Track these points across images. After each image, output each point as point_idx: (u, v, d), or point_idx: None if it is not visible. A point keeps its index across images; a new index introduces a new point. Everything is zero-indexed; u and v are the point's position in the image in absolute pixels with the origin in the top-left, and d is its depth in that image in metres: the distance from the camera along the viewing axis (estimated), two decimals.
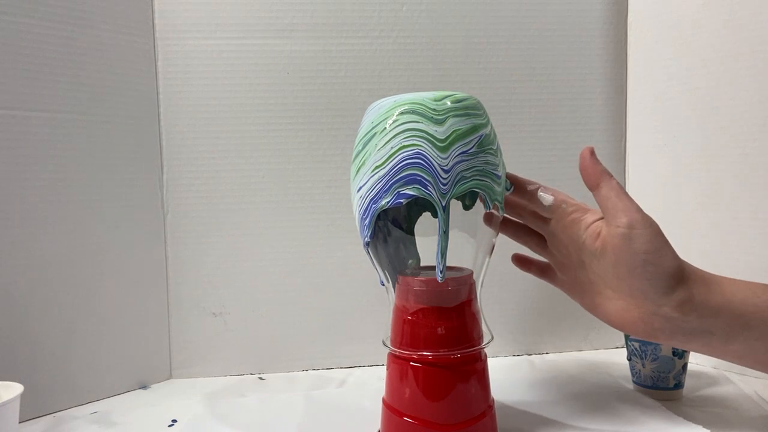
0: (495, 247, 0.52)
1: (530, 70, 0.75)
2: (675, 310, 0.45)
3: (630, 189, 0.78)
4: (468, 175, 0.45)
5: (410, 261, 0.55)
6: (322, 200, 0.73)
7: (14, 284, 0.59)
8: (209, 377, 0.73)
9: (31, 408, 0.59)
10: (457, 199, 0.48)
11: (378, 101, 0.48)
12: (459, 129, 0.45)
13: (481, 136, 0.46)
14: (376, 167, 0.46)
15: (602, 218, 0.49)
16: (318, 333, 0.74)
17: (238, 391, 0.68)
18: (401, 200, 0.45)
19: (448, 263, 0.46)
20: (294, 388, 0.68)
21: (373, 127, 0.47)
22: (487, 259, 0.52)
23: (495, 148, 0.48)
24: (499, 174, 0.48)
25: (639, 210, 0.47)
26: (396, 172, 0.45)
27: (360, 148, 0.48)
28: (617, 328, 0.49)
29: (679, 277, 0.45)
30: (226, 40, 0.71)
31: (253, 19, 0.71)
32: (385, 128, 0.46)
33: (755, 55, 0.63)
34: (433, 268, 0.47)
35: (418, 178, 0.44)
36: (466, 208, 0.53)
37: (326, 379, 0.71)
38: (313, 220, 0.73)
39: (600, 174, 0.49)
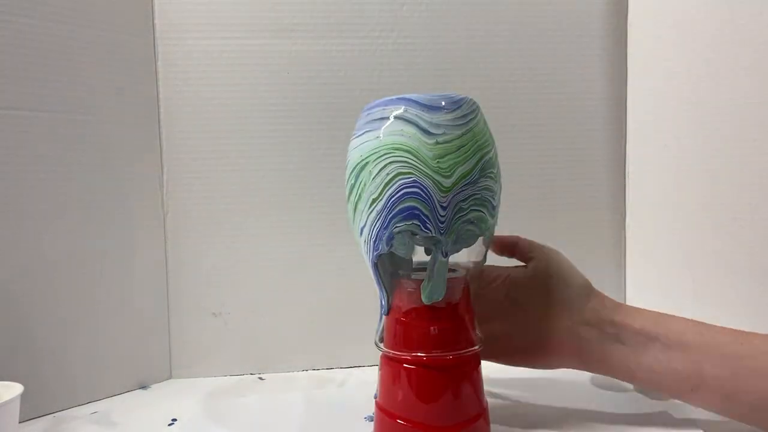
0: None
1: (530, 70, 0.75)
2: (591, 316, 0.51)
3: (630, 189, 0.78)
4: (466, 207, 0.43)
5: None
6: (322, 200, 0.73)
7: (14, 284, 0.59)
8: (209, 377, 0.73)
9: (31, 408, 0.59)
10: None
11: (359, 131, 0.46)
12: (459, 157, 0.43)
13: (484, 160, 0.44)
14: (373, 201, 0.43)
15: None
16: (318, 333, 0.74)
17: (238, 391, 0.68)
18: (393, 241, 0.44)
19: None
20: (294, 388, 0.68)
21: (367, 156, 0.44)
22: (481, 263, 0.51)
23: (496, 171, 0.46)
24: (496, 204, 0.46)
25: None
26: (393, 204, 0.42)
27: (353, 180, 0.45)
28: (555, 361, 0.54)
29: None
30: (226, 40, 0.71)
31: (253, 19, 0.71)
32: (377, 154, 0.43)
33: (755, 55, 0.63)
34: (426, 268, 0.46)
35: (416, 212, 0.42)
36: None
37: (326, 379, 0.71)
38: (313, 220, 0.73)
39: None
